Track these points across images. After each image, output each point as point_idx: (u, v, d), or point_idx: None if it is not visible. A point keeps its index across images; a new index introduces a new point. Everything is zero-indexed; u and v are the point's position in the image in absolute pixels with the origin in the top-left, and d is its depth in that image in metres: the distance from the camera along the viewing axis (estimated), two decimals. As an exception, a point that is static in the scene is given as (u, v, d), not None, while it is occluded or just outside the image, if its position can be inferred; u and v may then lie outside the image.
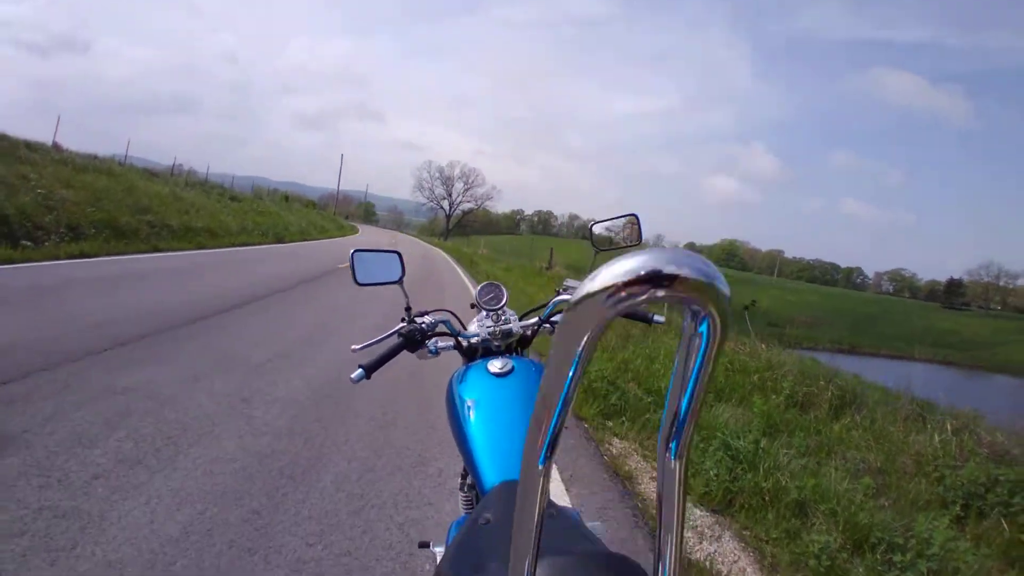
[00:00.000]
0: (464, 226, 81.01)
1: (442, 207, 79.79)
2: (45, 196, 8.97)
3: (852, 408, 4.81)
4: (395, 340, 1.33)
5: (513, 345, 1.56)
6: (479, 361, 1.38)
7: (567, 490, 2.87)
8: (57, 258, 7.57)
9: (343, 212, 67.55)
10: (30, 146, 11.88)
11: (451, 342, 1.49)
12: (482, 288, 1.57)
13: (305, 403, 3.43)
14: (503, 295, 1.57)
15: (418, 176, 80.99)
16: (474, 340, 1.50)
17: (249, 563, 1.84)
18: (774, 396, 5.23)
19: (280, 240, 17.79)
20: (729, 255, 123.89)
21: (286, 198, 36.04)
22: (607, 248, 1.66)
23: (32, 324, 4.24)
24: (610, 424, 4.18)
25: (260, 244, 15.68)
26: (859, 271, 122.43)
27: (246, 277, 8.82)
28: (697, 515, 2.96)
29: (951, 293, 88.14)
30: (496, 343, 1.49)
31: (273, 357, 4.29)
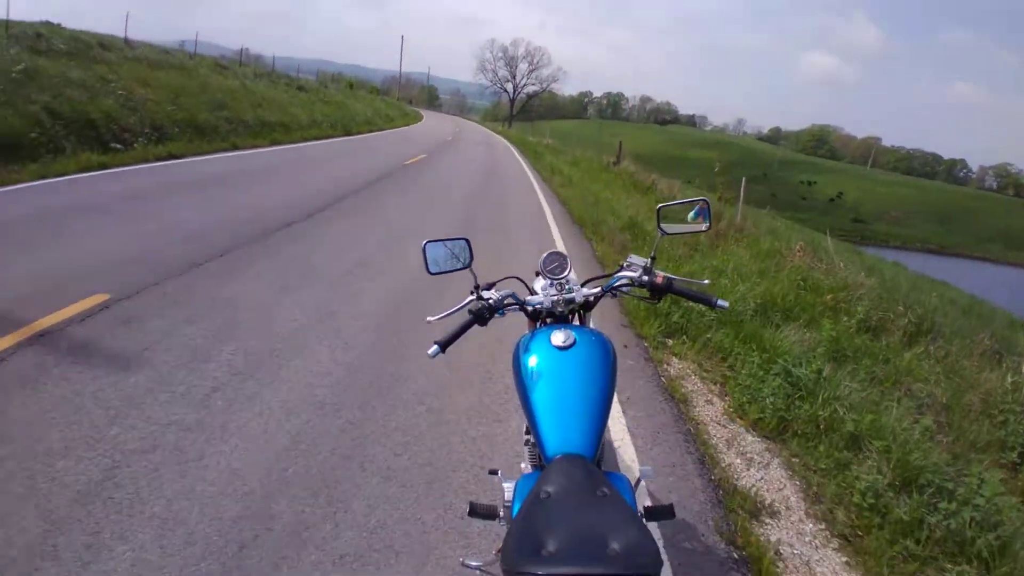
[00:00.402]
0: (528, 111, 77.43)
1: (505, 90, 76.13)
2: (126, 97, 9.30)
3: (928, 337, 4.64)
4: (466, 316, 1.44)
5: (576, 309, 1.64)
6: (543, 330, 1.48)
7: (623, 412, 3.07)
8: (147, 160, 8.08)
9: (406, 97, 66.00)
10: (104, 44, 12.11)
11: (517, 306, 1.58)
12: (547, 256, 1.62)
13: (385, 316, 3.74)
14: (567, 265, 1.62)
15: (480, 57, 76.79)
16: (538, 307, 1.59)
17: (348, 470, 2.19)
18: (846, 319, 5.10)
19: (348, 132, 17.93)
20: (819, 142, 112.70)
21: (351, 85, 35.58)
22: (675, 232, 1.65)
23: (136, 235, 4.72)
24: (670, 343, 4.28)
25: (330, 137, 15.93)
26: (963, 164, 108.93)
27: (320, 177, 9.13)
28: (748, 440, 3.11)
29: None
30: (559, 309, 1.57)
31: (353, 267, 4.60)
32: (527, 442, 1.61)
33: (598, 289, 1.63)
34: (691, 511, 2.36)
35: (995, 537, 2.16)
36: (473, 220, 7.61)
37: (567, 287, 1.60)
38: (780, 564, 2.18)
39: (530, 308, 1.58)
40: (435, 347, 1.36)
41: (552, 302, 1.55)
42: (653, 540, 0.95)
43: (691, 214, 1.62)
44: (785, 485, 2.75)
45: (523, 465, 1.71)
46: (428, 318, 1.47)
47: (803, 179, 66.48)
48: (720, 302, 1.46)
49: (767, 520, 2.44)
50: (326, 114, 18.04)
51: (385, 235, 5.89)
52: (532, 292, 1.70)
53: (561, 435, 1.29)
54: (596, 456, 1.31)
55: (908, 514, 2.46)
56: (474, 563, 1.65)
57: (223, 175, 7.83)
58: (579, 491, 1.10)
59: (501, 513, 1.47)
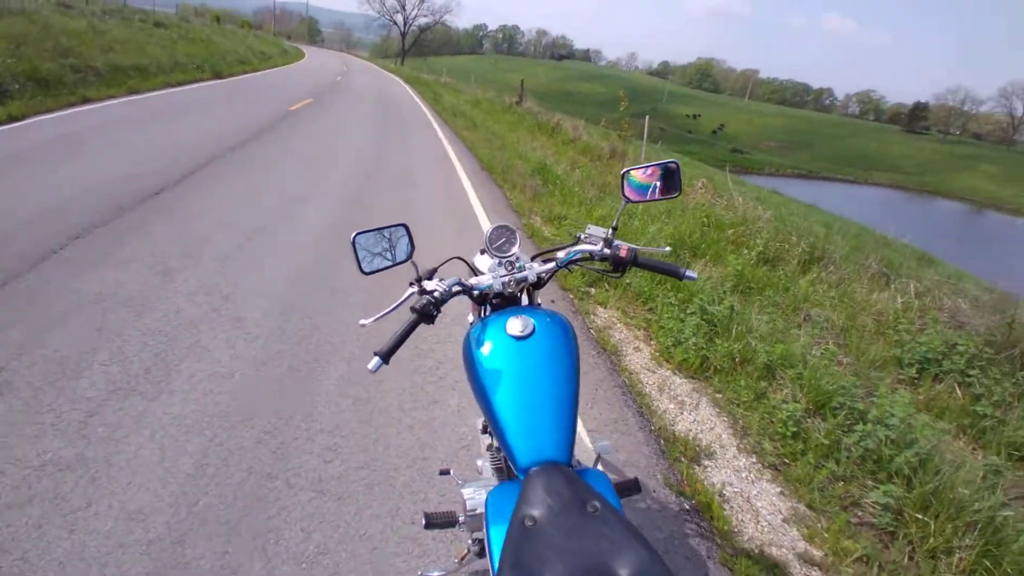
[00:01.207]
0: (421, 45, 73.00)
1: (395, 22, 70.75)
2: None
3: (820, 264, 5.02)
4: (408, 316, 1.22)
5: (526, 287, 1.48)
6: (495, 318, 1.31)
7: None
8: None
9: (283, 32, 59.46)
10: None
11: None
12: (493, 232, 1.43)
13: (291, 293, 3.34)
14: (515, 240, 1.44)
15: (366, -16, 70.26)
16: (487, 292, 1.41)
17: (271, 491, 1.91)
18: (747, 252, 5.39)
19: (219, 75, 15.78)
20: (703, 75, 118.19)
21: (217, 19, 31.26)
22: (639, 199, 1.49)
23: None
24: (593, 292, 4.27)
25: (198, 81, 13.91)
26: (829, 92, 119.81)
27: (191, 131, 7.96)
28: (677, 383, 3.19)
29: (914, 117, 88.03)
30: (510, 290, 1.40)
31: (244, 240, 4.06)
32: (490, 446, 1.45)
33: (552, 264, 1.46)
34: (640, 467, 2.36)
35: (913, 454, 2.37)
36: (375, 173, 7.06)
37: (518, 265, 1.41)
38: (727, 506, 2.25)
39: (477, 293, 1.39)
40: (376, 360, 1.12)
41: (502, 283, 1.37)
42: (658, 555, 0.87)
43: (656, 181, 1.47)
44: (715, 424, 2.85)
45: (480, 464, 1.56)
46: (361, 321, 1.22)
47: (688, 112, 69.79)
48: (688, 273, 1.34)
49: (707, 463, 2.52)
50: (191, 54, 15.69)
51: (278, 199, 5.27)
52: (475, 271, 1.51)
53: (533, 442, 1.15)
54: (572, 458, 1.18)
55: (826, 437, 2.65)
56: (435, 573, 1.51)
57: (70, 137, 6.55)
58: (567, 511, 0.99)
59: (461, 519, 1.35)
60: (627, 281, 4.39)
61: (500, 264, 1.41)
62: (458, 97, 20.25)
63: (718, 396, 3.11)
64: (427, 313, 1.21)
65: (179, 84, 12.72)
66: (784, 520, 2.25)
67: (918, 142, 69.67)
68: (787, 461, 2.62)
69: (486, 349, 1.25)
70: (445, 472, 1.64)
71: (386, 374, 2.65)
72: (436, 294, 1.24)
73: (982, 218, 43.00)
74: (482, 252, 1.47)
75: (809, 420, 2.81)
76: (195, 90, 12.57)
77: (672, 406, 2.95)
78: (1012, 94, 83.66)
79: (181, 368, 2.49)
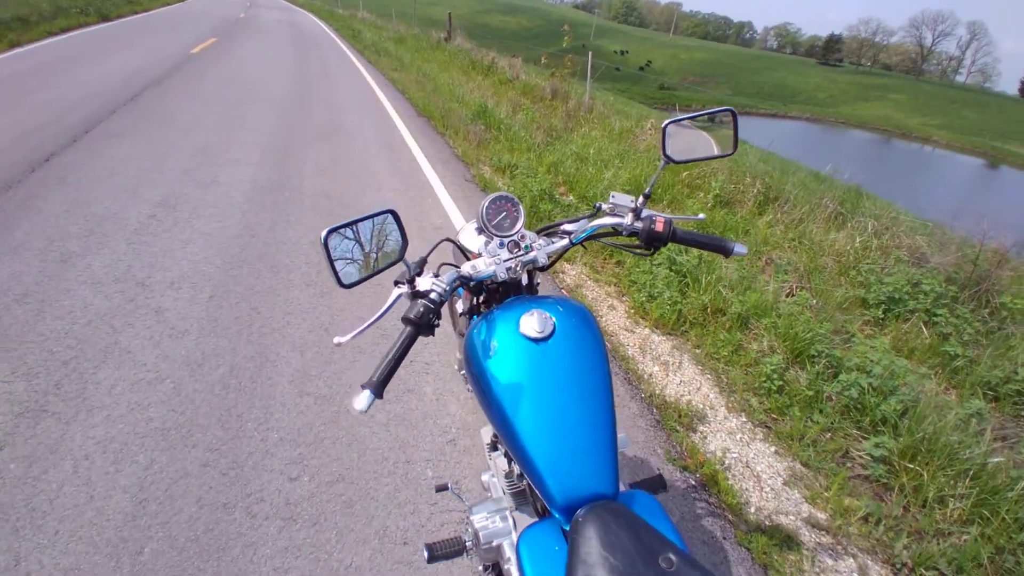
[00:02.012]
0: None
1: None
2: None
3: (775, 204, 5.01)
4: (400, 329, 0.92)
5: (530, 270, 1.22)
6: (502, 312, 1.05)
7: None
8: None
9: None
10: None
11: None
12: (489, 204, 1.14)
13: (220, 274, 2.87)
14: (519, 213, 1.15)
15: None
16: (490, 282, 1.14)
17: (231, 525, 1.60)
18: (702, 195, 5.29)
19: (106, 17, 13.65)
20: (629, 9, 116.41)
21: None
22: (685, 159, 1.22)
23: None
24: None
25: (84, 26, 11.98)
26: (749, 26, 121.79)
27: (80, 84, 6.77)
28: (656, 342, 3.06)
29: (829, 50, 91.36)
30: (515, 275, 1.13)
31: (156, 208, 3.47)
32: (508, 473, 1.20)
33: (565, 242, 1.19)
34: (640, 443, 2.22)
35: (897, 401, 2.35)
36: (300, 123, 6.32)
37: (524, 245, 1.13)
38: (730, 476, 2.16)
39: (473, 284, 1.11)
40: (365, 395, 0.84)
41: (507, 269, 1.10)
42: None
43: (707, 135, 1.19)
44: (701, 383, 2.76)
45: (486, 479, 1.33)
46: (336, 339, 0.90)
47: (616, 48, 68.89)
48: (737, 247, 1.11)
49: (701, 428, 2.42)
50: (73, -5, 13.49)
51: (190, 158, 4.56)
52: (465, 253, 1.22)
53: (570, 473, 0.92)
54: (619, 488, 0.97)
55: (808, 388, 2.62)
56: None
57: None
58: (635, 569, 0.76)
59: (469, 543, 1.15)
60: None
61: (503, 245, 1.13)
62: (379, 34, 18.70)
63: (697, 352, 3.02)
64: (426, 322, 0.91)
65: (64, 31, 10.91)
66: (784, 483, 2.20)
67: (832, 74, 72.68)
68: (775, 416, 2.56)
69: (496, 354, 0.99)
70: (442, 488, 1.40)
71: (346, 362, 2.33)
72: (434, 295, 0.94)
73: (892, 147, 45.95)
74: (479, 231, 1.17)
75: (789, 371, 2.76)
76: (82, 37, 10.81)
77: (657, 368, 2.82)
78: (922, 24, 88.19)
79: (99, 377, 2.05)
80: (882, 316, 3.28)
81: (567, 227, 1.24)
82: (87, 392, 1.99)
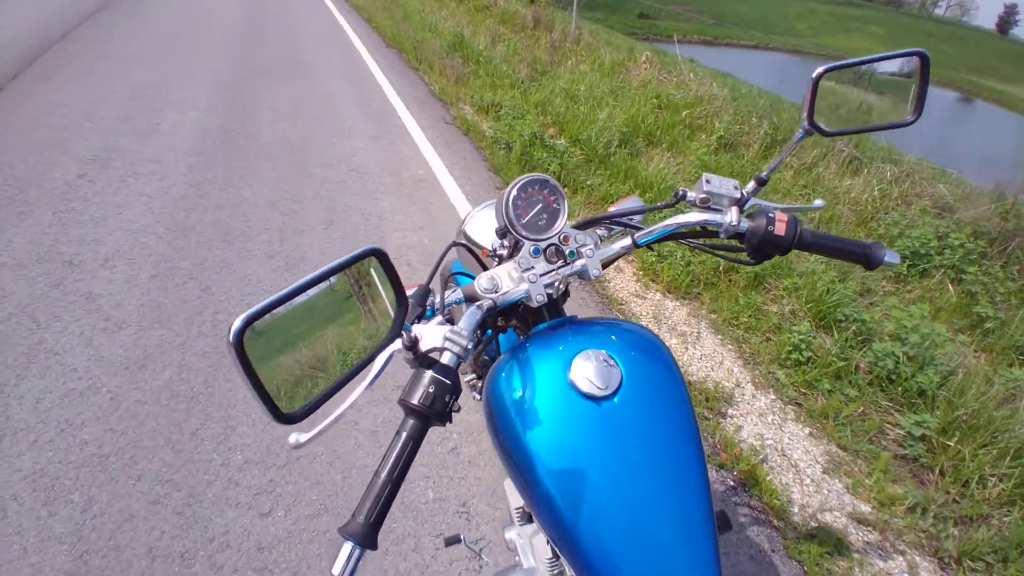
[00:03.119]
0: None
1: None
2: None
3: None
4: (402, 423, 0.56)
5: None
6: (542, 352, 0.72)
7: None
8: None
9: None
10: None
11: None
12: (517, 194, 0.77)
13: (163, 246, 2.43)
14: (562, 204, 0.80)
15: None
16: (520, 306, 0.81)
17: (192, 581, 1.28)
18: (704, 136, 4.89)
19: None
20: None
21: None
22: (842, 132, 0.84)
23: None
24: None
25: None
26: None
27: (6, 20, 5.84)
28: (670, 308, 2.77)
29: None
30: (557, 294, 0.79)
31: (87, 167, 2.94)
32: (554, 562, 0.90)
33: (627, 242, 0.83)
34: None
35: (935, 372, 2.13)
36: (254, 58, 5.59)
37: (569, 250, 0.78)
38: (768, 468, 1.93)
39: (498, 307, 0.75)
40: (347, 549, 0.49)
41: (547, 287, 0.76)
42: None
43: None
44: (723, 356, 2.50)
45: (511, 538, 1.04)
46: (294, 438, 0.53)
47: (595, -28, 65.14)
48: (888, 256, 0.75)
49: (730, 411, 2.18)
50: None
51: (128, 101, 3.94)
52: (480, 262, 0.86)
53: (639, 565, 0.63)
54: None
55: (838, 357, 2.38)
56: None
57: None
58: None
59: None
60: (588, 182, 3.79)
61: (538, 253, 0.77)
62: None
63: (714, 318, 2.74)
64: (439, 411, 0.55)
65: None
66: (824, 471, 1.98)
67: (812, 3, 70.41)
68: (804, 392, 2.33)
69: (536, 413, 0.68)
70: (454, 541, 1.11)
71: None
72: (449, 357, 0.59)
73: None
74: (501, 236, 0.80)
75: (816, 338, 2.51)
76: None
77: (676, 341, 2.54)
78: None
79: (22, 390, 1.66)
80: (905, 272, 3.03)
81: (626, 220, 0.89)
82: (9, 411, 1.60)
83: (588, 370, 0.68)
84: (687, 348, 2.50)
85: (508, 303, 0.75)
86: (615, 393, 0.68)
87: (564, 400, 0.68)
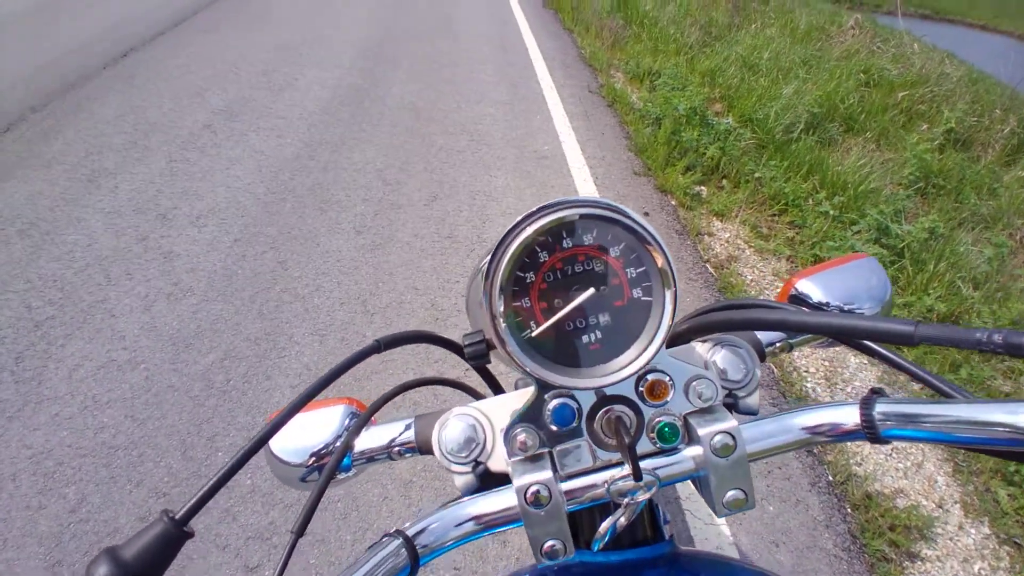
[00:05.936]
0: None
1: None
2: None
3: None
4: None
5: None
6: None
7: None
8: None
9: None
10: None
11: None
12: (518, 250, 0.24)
13: (258, 208, 2.28)
14: (654, 278, 0.25)
15: None
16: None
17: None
18: (926, 127, 3.74)
19: None
20: None
21: None
22: None
23: None
24: (705, 194, 2.96)
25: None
26: None
27: None
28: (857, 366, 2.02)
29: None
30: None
31: (215, 117, 2.93)
32: None
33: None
34: None
35: None
36: (401, 17, 5.47)
37: (665, 425, 0.28)
38: None
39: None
40: None
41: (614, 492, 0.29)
42: None
43: None
44: (935, 476, 1.73)
45: None
46: None
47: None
48: None
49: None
50: None
51: (270, 56, 3.98)
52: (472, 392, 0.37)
53: None
54: None
55: None
56: None
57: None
58: None
59: None
60: (757, 174, 3.02)
61: (573, 417, 0.30)
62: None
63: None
64: None
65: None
66: None
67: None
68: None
69: None
70: None
71: (379, 366, 1.63)
72: None
73: None
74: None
75: None
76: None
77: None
78: None
79: (65, 353, 1.57)
80: None
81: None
82: (45, 374, 1.51)
83: None
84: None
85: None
86: None
87: None
